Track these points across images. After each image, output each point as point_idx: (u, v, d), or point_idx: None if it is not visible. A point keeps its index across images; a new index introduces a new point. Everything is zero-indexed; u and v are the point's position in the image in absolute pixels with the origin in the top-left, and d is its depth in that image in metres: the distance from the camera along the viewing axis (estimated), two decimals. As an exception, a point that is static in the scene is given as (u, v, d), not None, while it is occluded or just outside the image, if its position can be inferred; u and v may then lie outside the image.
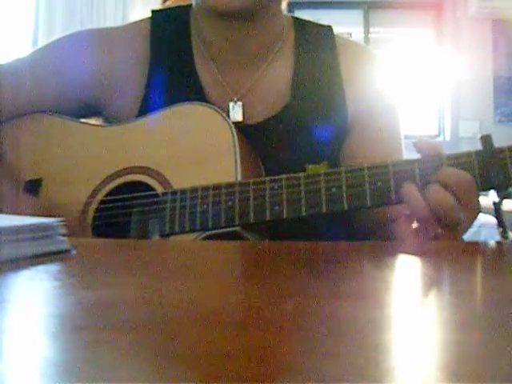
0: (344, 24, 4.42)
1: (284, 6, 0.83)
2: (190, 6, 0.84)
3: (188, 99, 0.75)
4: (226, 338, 0.25)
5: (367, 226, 0.79)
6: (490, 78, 4.30)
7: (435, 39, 4.50)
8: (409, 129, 0.82)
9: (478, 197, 0.60)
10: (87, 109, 0.85)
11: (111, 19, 3.40)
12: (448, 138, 4.31)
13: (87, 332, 0.26)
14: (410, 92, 4.23)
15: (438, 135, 4.42)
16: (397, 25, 4.53)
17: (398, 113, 0.83)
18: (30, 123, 0.82)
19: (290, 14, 0.87)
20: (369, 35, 4.55)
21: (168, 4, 1.55)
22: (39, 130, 0.82)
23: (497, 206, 0.59)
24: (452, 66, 4.24)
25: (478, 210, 0.60)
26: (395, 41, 4.48)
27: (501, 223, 0.59)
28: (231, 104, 0.78)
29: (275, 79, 0.81)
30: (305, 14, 0.88)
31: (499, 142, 0.61)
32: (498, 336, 0.26)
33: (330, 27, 0.85)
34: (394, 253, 0.53)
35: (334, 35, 0.84)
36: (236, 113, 0.78)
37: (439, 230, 0.59)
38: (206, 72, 0.81)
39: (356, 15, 4.54)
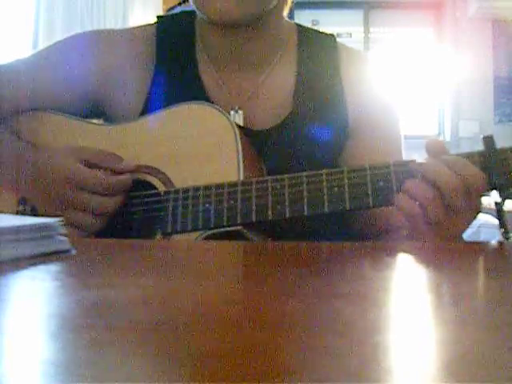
0: (344, 24, 4.42)
1: (285, 13, 0.83)
2: (195, 12, 0.84)
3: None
4: (226, 338, 0.25)
5: (366, 233, 0.79)
6: (490, 78, 4.30)
7: (435, 39, 4.50)
8: (409, 129, 0.82)
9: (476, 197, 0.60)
10: (91, 109, 0.85)
11: (111, 20, 3.40)
12: (448, 138, 4.31)
13: (87, 332, 0.26)
14: (410, 92, 4.23)
15: (438, 135, 4.42)
16: (397, 25, 4.53)
17: (398, 116, 0.84)
18: (30, 121, 0.82)
19: (293, 21, 0.87)
20: (369, 35, 4.55)
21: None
22: (40, 127, 0.82)
23: (498, 207, 0.59)
24: (452, 65, 4.24)
25: (474, 209, 0.60)
26: (395, 41, 4.48)
27: (502, 224, 0.59)
28: (232, 112, 0.78)
29: (278, 86, 0.81)
30: (305, 14, 0.89)
31: (499, 142, 0.61)
32: (497, 336, 0.26)
33: (332, 35, 0.86)
34: (394, 253, 0.53)
35: (336, 43, 0.84)
36: (237, 121, 0.78)
37: (421, 225, 0.59)
38: (209, 78, 0.81)
39: (356, 15, 4.54)
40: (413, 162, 0.62)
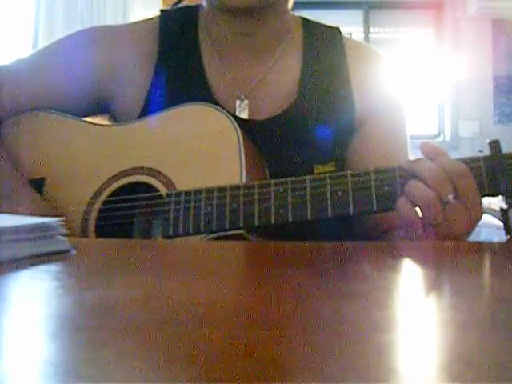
0: (344, 24, 4.39)
1: (290, 4, 0.83)
2: (198, 6, 0.85)
3: (194, 96, 0.75)
4: (226, 338, 0.25)
5: (369, 232, 0.79)
6: (490, 78, 4.29)
7: (435, 39, 4.49)
8: (409, 129, 0.82)
9: (479, 197, 0.59)
10: (95, 106, 0.85)
11: (111, 19, 3.39)
12: (448, 138, 4.31)
13: (87, 332, 0.26)
14: (410, 92, 4.22)
15: (438, 135, 4.42)
16: (397, 25, 4.53)
17: (404, 112, 0.84)
18: (31, 121, 0.82)
19: (298, 15, 0.87)
20: (369, 35, 4.55)
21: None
22: (41, 128, 0.82)
23: (504, 213, 0.58)
24: (452, 66, 4.24)
25: (477, 208, 0.59)
26: (395, 41, 4.48)
27: (508, 231, 0.58)
28: (238, 102, 0.79)
29: (283, 77, 0.81)
30: (305, 14, 0.89)
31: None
32: (498, 336, 0.26)
33: (338, 28, 0.86)
34: (395, 253, 0.53)
35: (342, 36, 0.85)
36: (242, 110, 0.78)
37: (419, 230, 0.58)
38: (213, 70, 0.81)
39: (356, 15, 4.53)
40: (407, 161, 0.61)
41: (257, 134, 0.74)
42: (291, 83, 0.80)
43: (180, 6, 0.92)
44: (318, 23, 0.87)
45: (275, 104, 0.79)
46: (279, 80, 0.81)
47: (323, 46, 0.83)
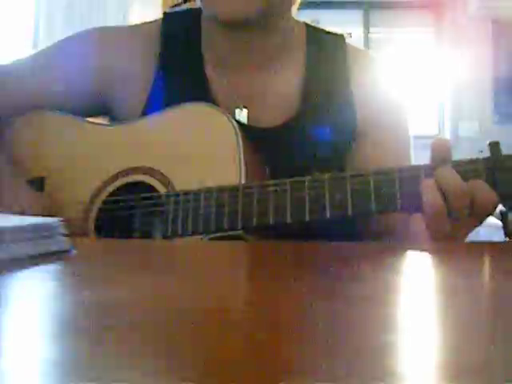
0: (344, 24, 4.41)
1: (294, 12, 0.82)
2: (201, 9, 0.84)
3: (194, 101, 0.75)
4: (226, 338, 0.25)
5: (373, 231, 0.79)
6: (490, 78, 4.30)
7: (435, 39, 4.50)
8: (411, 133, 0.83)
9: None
10: (96, 108, 0.85)
11: (111, 19, 3.40)
12: (448, 138, 4.31)
13: (87, 332, 0.26)
14: (410, 92, 4.22)
15: (438, 135, 4.42)
16: (397, 25, 4.53)
17: (407, 118, 0.83)
18: (32, 120, 0.82)
19: (302, 21, 0.86)
20: (369, 35, 4.55)
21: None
22: (42, 126, 0.82)
23: (504, 215, 0.58)
24: (452, 65, 4.24)
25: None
26: (395, 41, 4.48)
27: (508, 233, 0.58)
28: (237, 110, 0.78)
29: (285, 86, 0.80)
30: (305, 14, 0.88)
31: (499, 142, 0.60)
32: (498, 336, 0.26)
33: (342, 36, 0.85)
34: (397, 254, 0.53)
35: (345, 44, 0.84)
36: (242, 118, 0.78)
37: (448, 226, 0.58)
38: (214, 76, 0.81)
39: (356, 15, 4.54)
40: (422, 166, 0.61)
41: (257, 143, 0.73)
42: (293, 93, 0.80)
43: (181, 7, 0.91)
44: (322, 30, 0.86)
45: (277, 114, 0.79)
46: (281, 90, 0.80)
47: (326, 54, 0.82)
